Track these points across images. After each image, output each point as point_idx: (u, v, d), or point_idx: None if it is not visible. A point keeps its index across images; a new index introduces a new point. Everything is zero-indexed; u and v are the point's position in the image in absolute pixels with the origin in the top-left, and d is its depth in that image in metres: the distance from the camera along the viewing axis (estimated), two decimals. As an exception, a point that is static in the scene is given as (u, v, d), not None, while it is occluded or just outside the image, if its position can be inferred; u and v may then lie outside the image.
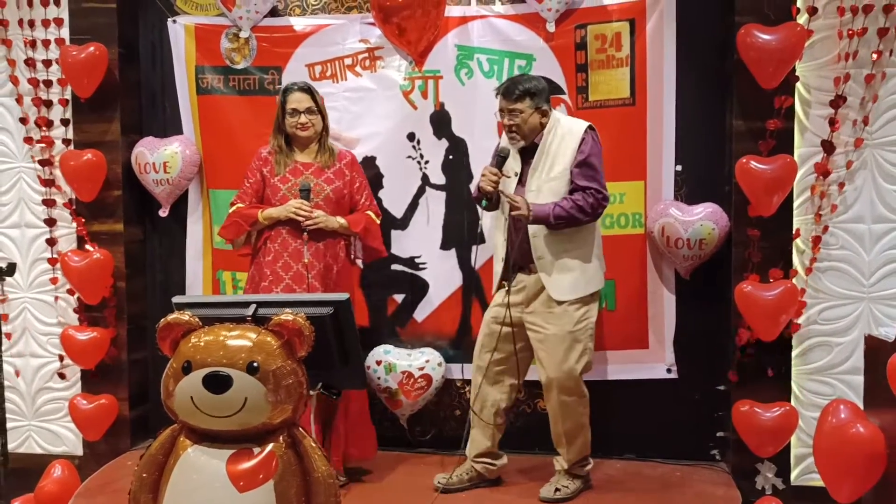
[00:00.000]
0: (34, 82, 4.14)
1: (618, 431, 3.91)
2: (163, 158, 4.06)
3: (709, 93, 3.84)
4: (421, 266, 4.10)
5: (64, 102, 4.15)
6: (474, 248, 3.79)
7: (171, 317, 2.25)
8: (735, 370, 3.70)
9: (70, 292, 4.16)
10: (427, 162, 4.06)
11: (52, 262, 4.19)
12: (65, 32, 4.12)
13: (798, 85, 3.64)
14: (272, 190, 3.60)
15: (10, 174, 4.24)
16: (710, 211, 3.74)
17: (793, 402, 3.67)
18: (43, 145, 4.15)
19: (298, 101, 3.57)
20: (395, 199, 4.07)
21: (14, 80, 4.17)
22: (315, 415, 2.49)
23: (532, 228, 3.39)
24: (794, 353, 3.71)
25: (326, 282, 3.53)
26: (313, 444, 2.26)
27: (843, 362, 3.70)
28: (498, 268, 3.54)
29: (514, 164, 3.47)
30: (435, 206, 4.07)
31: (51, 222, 4.18)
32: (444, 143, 4.05)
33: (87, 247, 4.09)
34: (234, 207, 3.64)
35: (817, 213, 3.66)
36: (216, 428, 2.16)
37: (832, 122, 3.62)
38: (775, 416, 3.57)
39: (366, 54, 4.07)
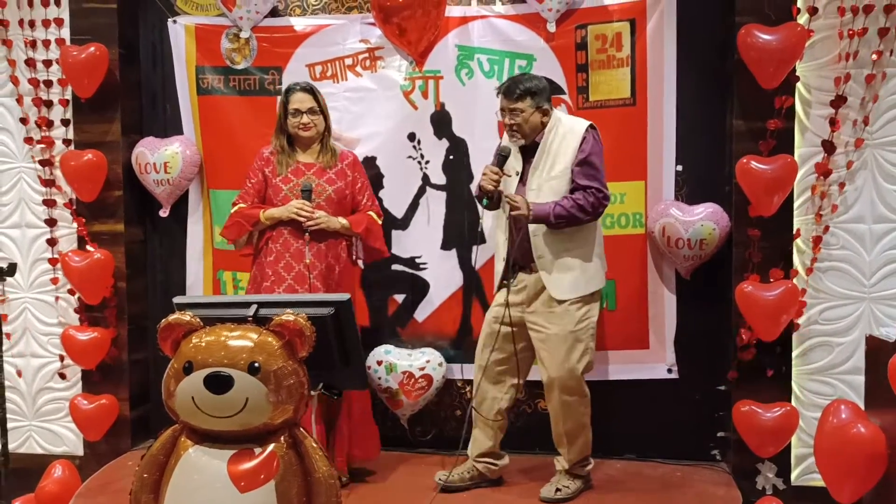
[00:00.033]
0: (34, 82, 4.14)
1: (618, 431, 3.91)
2: (163, 158, 4.06)
3: (709, 93, 3.84)
4: (421, 266, 4.10)
5: (64, 103, 4.15)
6: (475, 248, 3.78)
7: (172, 317, 2.25)
8: (736, 370, 3.70)
9: (71, 292, 4.16)
10: (427, 162, 4.06)
11: (52, 262, 4.19)
12: (65, 33, 4.12)
13: (798, 85, 3.65)
14: (274, 190, 3.60)
15: (11, 174, 4.24)
16: (711, 211, 3.73)
17: (793, 403, 3.67)
18: (43, 145, 4.15)
19: (301, 101, 3.57)
20: (395, 199, 4.07)
21: (14, 81, 4.17)
22: (318, 415, 2.49)
23: (532, 227, 3.38)
24: (794, 354, 3.71)
25: (328, 282, 3.53)
26: (314, 445, 2.26)
27: (844, 362, 3.70)
28: (499, 267, 3.53)
29: (515, 162, 3.46)
30: (435, 206, 4.06)
31: (51, 222, 4.18)
32: (445, 144, 4.04)
33: (88, 247, 4.09)
34: (235, 207, 3.64)
35: (818, 213, 3.66)
36: (217, 428, 2.17)
37: (832, 122, 3.62)
38: (776, 416, 3.57)
39: (366, 54, 4.07)
